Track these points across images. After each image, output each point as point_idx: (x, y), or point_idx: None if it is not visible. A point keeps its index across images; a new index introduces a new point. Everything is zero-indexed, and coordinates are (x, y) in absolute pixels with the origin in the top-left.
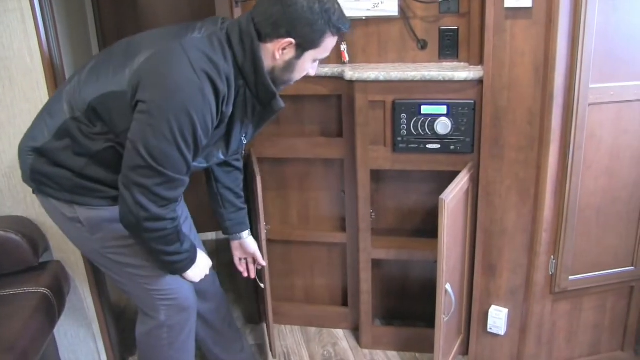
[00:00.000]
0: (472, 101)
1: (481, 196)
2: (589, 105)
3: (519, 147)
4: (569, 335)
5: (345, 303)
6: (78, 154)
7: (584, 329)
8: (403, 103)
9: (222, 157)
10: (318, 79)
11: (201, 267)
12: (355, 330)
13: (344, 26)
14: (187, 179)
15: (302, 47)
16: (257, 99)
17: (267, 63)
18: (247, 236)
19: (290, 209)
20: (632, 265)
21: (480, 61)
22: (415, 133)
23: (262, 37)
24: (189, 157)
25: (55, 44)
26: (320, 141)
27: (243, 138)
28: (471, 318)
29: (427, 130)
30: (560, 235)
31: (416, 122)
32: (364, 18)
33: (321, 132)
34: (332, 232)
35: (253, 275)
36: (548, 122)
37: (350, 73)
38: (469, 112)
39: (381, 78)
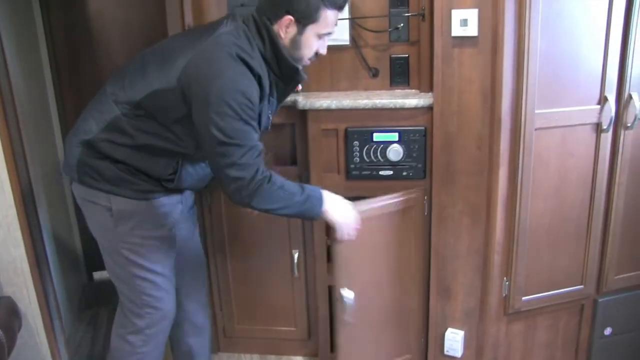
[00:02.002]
0: (422, 128)
1: (434, 220)
2: (536, 129)
3: (469, 171)
4: (524, 355)
5: (305, 330)
6: (124, 145)
7: (538, 348)
8: (355, 131)
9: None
10: None
11: (342, 211)
12: (315, 357)
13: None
14: (260, 145)
15: (302, 22)
16: (281, 78)
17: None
18: None
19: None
20: (582, 284)
21: (431, 88)
22: (367, 160)
23: (270, 21)
24: (255, 124)
25: (4, 74)
26: (274, 170)
27: (269, 114)
28: (428, 342)
29: (379, 157)
30: (512, 257)
31: (368, 149)
32: None
33: (275, 160)
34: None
35: None
36: (497, 146)
37: (303, 102)
38: (420, 138)
39: (333, 107)
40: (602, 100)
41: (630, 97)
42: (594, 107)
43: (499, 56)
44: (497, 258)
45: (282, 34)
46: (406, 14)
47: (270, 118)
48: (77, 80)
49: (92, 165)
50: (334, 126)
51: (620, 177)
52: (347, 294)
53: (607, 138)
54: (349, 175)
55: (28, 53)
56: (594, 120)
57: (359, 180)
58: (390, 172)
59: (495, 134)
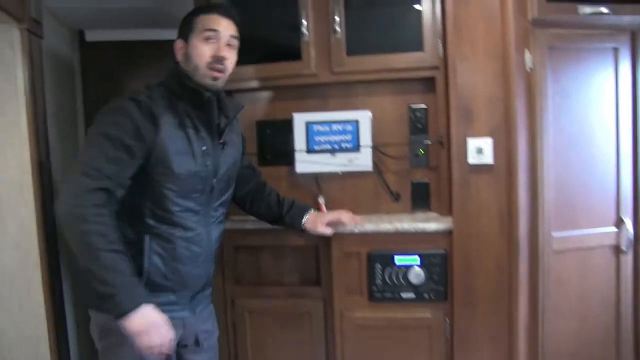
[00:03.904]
0: (443, 251)
1: (456, 344)
2: (554, 252)
3: (489, 294)
4: None
5: None
6: None
7: None
8: (377, 254)
9: (190, 168)
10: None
11: (152, 326)
12: None
13: (207, 5)
14: (103, 181)
15: (186, 37)
16: (190, 99)
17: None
18: (312, 213)
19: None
20: None
21: (450, 212)
22: (390, 283)
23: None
24: (112, 154)
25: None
26: (298, 290)
27: (203, 150)
28: None
29: (401, 280)
30: None
31: (390, 272)
32: (340, 173)
33: (300, 281)
34: None
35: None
36: (515, 270)
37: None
38: (441, 261)
39: (356, 231)
40: (619, 222)
41: None
42: (610, 229)
43: (514, 183)
44: None
45: (180, 57)
46: (426, 141)
47: (208, 155)
48: None
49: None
50: (356, 249)
51: None
52: None
53: (627, 260)
54: (371, 298)
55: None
56: (612, 242)
57: (381, 303)
58: (412, 295)
59: (514, 257)
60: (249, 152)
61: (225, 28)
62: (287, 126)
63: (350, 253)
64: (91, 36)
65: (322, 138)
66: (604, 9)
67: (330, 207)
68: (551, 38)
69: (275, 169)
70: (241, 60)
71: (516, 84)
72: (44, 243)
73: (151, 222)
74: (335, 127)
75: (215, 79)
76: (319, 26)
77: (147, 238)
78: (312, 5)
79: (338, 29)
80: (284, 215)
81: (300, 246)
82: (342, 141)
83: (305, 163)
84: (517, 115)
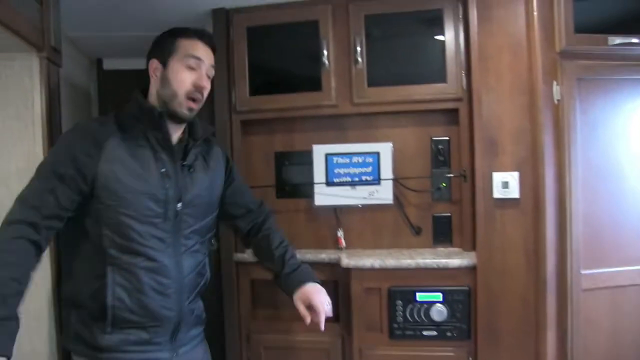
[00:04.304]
0: (466, 288)
1: None
2: (583, 290)
3: (515, 334)
4: None
5: None
6: (65, 280)
7: None
8: (398, 290)
9: (139, 188)
10: (315, 265)
11: None
12: None
13: (188, 29)
14: (26, 212)
15: (164, 59)
16: (149, 124)
17: (152, 92)
18: (308, 286)
19: None
20: None
21: (473, 247)
22: (411, 320)
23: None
24: (44, 185)
25: None
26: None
27: (162, 171)
28: None
29: (423, 317)
30: None
31: (412, 309)
32: (360, 206)
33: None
34: None
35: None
36: (543, 308)
37: (347, 260)
38: (464, 298)
39: (377, 266)
40: None
41: None
42: None
43: (541, 218)
44: None
45: (153, 77)
46: (448, 175)
47: (166, 176)
48: None
49: (64, 320)
50: (377, 285)
51: None
52: None
53: None
54: (392, 335)
55: None
56: None
57: (402, 340)
58: (434, 333)
59: (541, 295)
60: (267, 184)
61: (208, 57)
62: (306, 158)
63: (370, 289)
64: (109, 64)
65: (342, 170)
66: (634, 39)
67: (349, 240)
68: (580, 69)
69: (293, 202)
70: (260, 90)
71: (543, 116)
72: (55, 257)
73: (112, 252)
74: (355, 159)
75: (191, 110)
76: (340, 56)
77: (109, 270)
78: (333, 35)
79: (359, 59)
80: (280, 277)
81: (319, 280)
82: (362, 173)
83: (325, 196)
84: (545, 148)
